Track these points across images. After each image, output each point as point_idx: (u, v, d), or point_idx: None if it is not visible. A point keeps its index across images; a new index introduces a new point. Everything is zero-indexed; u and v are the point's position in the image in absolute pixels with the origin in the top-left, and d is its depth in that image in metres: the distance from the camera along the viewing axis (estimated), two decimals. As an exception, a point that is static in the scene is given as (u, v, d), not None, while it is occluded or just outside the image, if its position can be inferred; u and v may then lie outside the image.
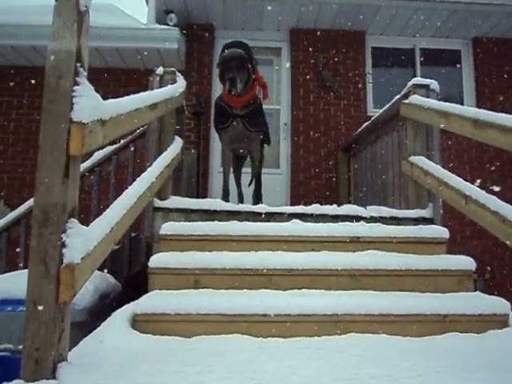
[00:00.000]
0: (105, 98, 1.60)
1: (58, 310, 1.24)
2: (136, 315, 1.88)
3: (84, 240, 1.33)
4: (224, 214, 2.89)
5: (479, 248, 5.24)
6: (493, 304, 2.08)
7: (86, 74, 1.40)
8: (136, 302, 1.95)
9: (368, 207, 3.15)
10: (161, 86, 2.90)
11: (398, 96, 3.38)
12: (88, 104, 1.33)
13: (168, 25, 5.38)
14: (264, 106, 4.03)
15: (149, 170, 2.39)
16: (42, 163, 1.28)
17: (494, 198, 2.18)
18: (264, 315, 1.90)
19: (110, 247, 1.62)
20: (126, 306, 2.00)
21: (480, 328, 1.94)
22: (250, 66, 3.51)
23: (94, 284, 2.64)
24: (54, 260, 1.23)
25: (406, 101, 3.16)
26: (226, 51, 3.50)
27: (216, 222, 2.66)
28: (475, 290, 2.34)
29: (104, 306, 2.78)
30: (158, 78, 2.97)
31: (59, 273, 1.23)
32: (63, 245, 1.26)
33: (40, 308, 1.19)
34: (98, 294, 2.70)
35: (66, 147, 1.29)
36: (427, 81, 3.21)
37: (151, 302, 1.94)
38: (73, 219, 1.31)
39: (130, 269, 3.66)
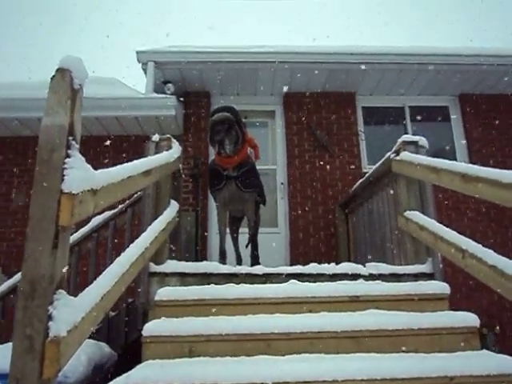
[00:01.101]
0: (105, 164, 1.65)
1: (42, 388, 1.19)
2: (127, 389, 1.80)
3: (71, 311, 1.31)
4: (221, 277, 2.85)
5: (486, 301, 5.10)
6: (501, 363, 1.99)
7: (78, 146, 1.45)
8: (128, 373, 1.87)
9: (367, 264, 3.11)
10: (156, 153, 2.98)
11: (389, 153, 3.46)
12: (78, 175, 1.37)
13: (166, 93, 5.64)
14: (260, 167, 4.11)
15: (143, 235, 2.39)
16: (31, 234, 1.29)
17: (491, 251, 2.17)
18: (262, 384, 1.82)
19: (99, 317, 1.58)
20: (117, 379, 1.91)
21: (489, 390, 1.84)
22: (237, 128, 3.64)
23: (87, 354, 2.54)
24: (39, 334, 1.20)
25: (397, 157, 3.23)
26: (215, 116, 3.65)
27: (212, 286, 2.62)
28: (482, 348, 2.26)
29: (98, 377, 2.66)
30: (153, 145, 3.06)
31: (44, 347, 1.20)
32: (49, 317, 1.23)
33: (22, 386, 1.15)
34: (91, 365, 2.59)
35: (56, 218, 1.31)
36: (416, 137, 3.29)
37: (144, 373, 1.86)
38: (61, 290, 1.30)
39: (127, 336, 3.56)
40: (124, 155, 5.70)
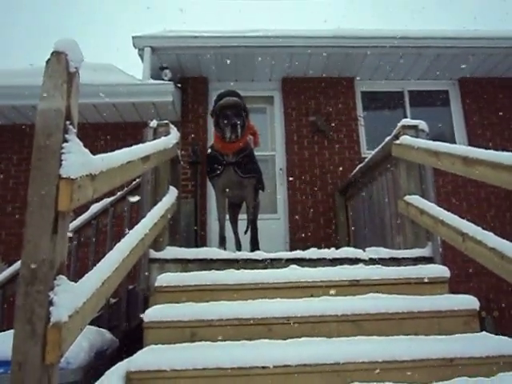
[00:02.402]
0: (103, 151, 1.63)
1: (45, 373, 1.19)
2: (130, 373, 1.81)
3: (72, 297, 1.30)
4: (221, 263, 2.85)
5: (485, 285, 5.14)
6: (500, 345, 2.01)
7: (75, 130, 1.42)
8: (130, 358, 1.88)
9: (367, 249, 3.12)
10: (155, 139, 2.95)
11: (388, 137, 3.43)
12: (77, 160, 1.35)
13: (163, 79, 5.57)
14: (259, 153, 4.09)
15: (142, 221, 2.38)
16: (30, 220, 1.27)
17: (491, 234, 2.16)
18: (263, 367, 1.84)
19: (100, 303, 1.58)
20: (120, 364, 1.92)
21: (489, 371, 1.86)
22: (244, 114, 3.62)
23: (88, 341, 2.56)
24: (41, 319, 1.20)
25: (397, 141, 3.20)
26: (223, 100, 3.61)
27: (213, 272, 2.63)
28: (481, 330, 2.27)
29: (100, 363, 2.68)
30: (151, 131, 3.03)
31: (46, 332, 1.19)
32: (50, 303, 1.22)
33: (25, 371, 1.15)
34: (93, 352, 2.61)
35: (55, 203, 1.29)
36: (416, 121, 3.26)
37: (146, 358, 1.87)
38: (61, 275, 1.29)
39: (128, 322, 3.58)
40: (121, 142, 5.66)
